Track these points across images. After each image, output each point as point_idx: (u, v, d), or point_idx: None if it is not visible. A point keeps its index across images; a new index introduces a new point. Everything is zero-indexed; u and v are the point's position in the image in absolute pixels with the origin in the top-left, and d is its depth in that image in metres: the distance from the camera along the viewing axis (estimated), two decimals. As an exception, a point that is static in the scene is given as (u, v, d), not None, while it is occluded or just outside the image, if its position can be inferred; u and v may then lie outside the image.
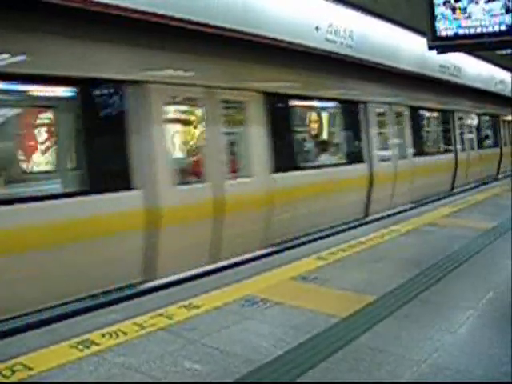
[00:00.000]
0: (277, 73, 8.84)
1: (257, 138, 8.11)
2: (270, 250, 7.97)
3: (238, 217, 7.44)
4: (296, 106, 9.67)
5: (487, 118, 20.39)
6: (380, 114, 11.86)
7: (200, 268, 6.78)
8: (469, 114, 17.75)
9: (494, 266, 5.78)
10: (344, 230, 8.79)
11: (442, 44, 4.39)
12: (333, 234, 8.41)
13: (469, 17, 4.13)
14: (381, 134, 11.80)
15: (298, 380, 3.21)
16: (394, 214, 10.38)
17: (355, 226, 9.28)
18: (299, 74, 9.25)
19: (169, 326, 4.06)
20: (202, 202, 7.00)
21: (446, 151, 15.86)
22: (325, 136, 11.25)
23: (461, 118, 16.90)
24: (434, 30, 4.36)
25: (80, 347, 3.67)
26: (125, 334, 3.89)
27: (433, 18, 4.32)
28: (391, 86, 12.40)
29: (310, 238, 8.66)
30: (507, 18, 3.95)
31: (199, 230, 6.96)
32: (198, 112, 7.47)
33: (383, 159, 11.66)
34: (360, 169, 10.90)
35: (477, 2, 4.07)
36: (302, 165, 9.33)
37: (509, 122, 22.18)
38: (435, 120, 16.14)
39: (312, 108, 10.85)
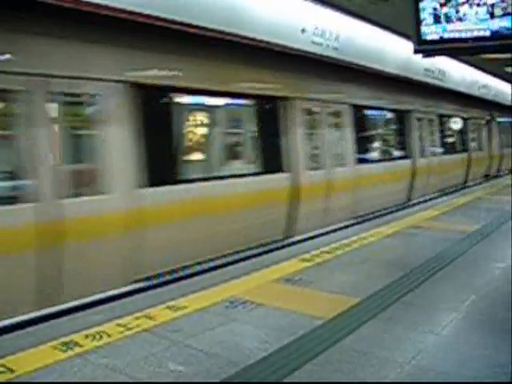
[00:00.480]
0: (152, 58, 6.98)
1: (114, 143, 6.26)
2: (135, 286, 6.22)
3: (84, 247, 5.83)
4: (186, 101, 7.66)
5: (455, 120, 18.47)
6: (310, 113, 9.92)
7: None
8: (429, 114, 15.74)
9: (476, 268, 5.83)
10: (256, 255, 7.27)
11: (427, 48, 4.42)
12: (231, 264, 6.61)
13: (454, 21, 4.17)
14: (311, 136, 9.89)
15: (285, 380, 3.22)
16: (328, 233, 8.74)
17: (271, 250, 7.51)
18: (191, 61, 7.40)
19: (153, 328, 4.04)
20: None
21: (402, 157, 13.85)
22: (218, 141, 8.25)
23: (420, 120, 14.99)
24: (419, 34, 4.38)
25: (63, 348, 3.64)
26: (108, 335, 3.87)
27: (418, 22, 4.35)
28: (326, 80, 10.54)
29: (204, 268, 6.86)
30: (491, 24, 4.00)
31: None
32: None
33: (314, 167, 9.79)
34: (278, 179, 8.90)
35: (462, 7, 4.11)
36: (194, 176, 7.41)
37: (479, 124, 20.96)
38: (388, 121, 14.24)
39: (206, 105, 8.15)
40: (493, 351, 3.60)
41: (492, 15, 4.03)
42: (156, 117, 6.89)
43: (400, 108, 14.05)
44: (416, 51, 4.52)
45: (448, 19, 4.19)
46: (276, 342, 3.77)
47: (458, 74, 16.22)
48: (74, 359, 3.48)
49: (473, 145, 19.50)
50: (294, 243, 8.11)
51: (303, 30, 8.77)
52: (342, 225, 9.91)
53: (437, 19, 4.26)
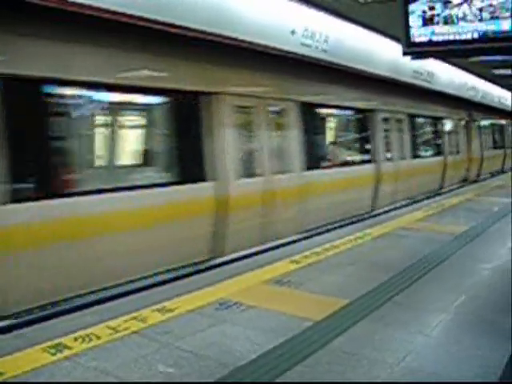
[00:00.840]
0: None
1: None
2: None
3: None
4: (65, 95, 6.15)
5: (427, 120, 16.81)
6: (243, 111, 8.35)
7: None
8: (397, 114, 13.88)
9: (465, 269, 5.88)
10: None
11: (416, 50, 4.46)
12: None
13: (443, 24, 4.21)
14: (245, 138, 8.40)
15: (276, 380, 3.22)
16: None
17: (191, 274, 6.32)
18: None
19: (142, 330, 4.02)
20: None
21: (364, 162, 12.27)
22: (111, 145, 7.02)
23: (386, 120, 13.24)
24: (408, 36, 4.41)
25: (52, 351, 3.61)
26: (98, 337, 3.85)
27: (407, 24, 4.38)
28: (264, 73, 8.83)
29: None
30: (480, 26, 4.04)
31: None
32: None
33: (248, 174, 8.24)
34: (199, 190, 7.43)
35: (451, 10, 4.14)
36: (83, 188, 6.06)
37: (457, 125, 19.02)
38: (348, 122, 12.82)
39: (103, 102, 6.78)
40: (482, 351, 3.63)
41: (480, 19, 4.07)
42: (21, 113, 5.52)
43: (361, 107, 12.40)
44: (405, 53, 4.55)
45: (437, 22, 4.22)
46: (266, 343, 3.77)
47: (436, 71, 14.71)
48: (64, 362, 3.46)
49: (449, 147, 17.66)
50: (224, 263, 6.85)
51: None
52: (287, 240, 8.57)
53: (426, 22, 4.30)
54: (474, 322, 4.24)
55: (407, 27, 4.42)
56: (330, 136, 11.87)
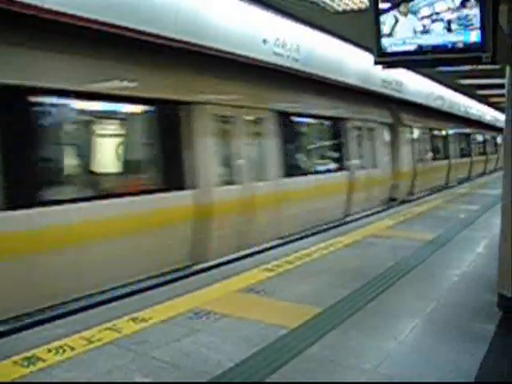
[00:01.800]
0: None
1: None
2: None
3: None
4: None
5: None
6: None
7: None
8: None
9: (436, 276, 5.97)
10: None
11: (387, 60, 4.54)
12: None
13: (413, 34, 4.30)
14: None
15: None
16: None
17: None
18: None
19: (117, 340, 3.98)
20: None
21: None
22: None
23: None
24: (379, 46, 4.49)
25: (25, 364, 3.55)
26: (72, 348, 3.79)
27: (378, 34, 4.45)
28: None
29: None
30: (450, 37, 4.13)
31: None
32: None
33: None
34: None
35: (422, 21, 4.23)
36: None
37: (372, 130, 14.33)
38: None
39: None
40: (455, 356, 3.70)
41: (449, 30, 4.16)
42: None
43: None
44: (376, 63, 4.62)
45: (407, 32, 4.31)
46: (242, 352, 3.77)
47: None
48: (37, 374, 3.40)
49: (352, 160, 12.79)
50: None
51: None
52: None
53: (396, 32, 4.38)
54: (446, 328, 4.31)
55: (378, 37, 4.49)
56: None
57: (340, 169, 12.32)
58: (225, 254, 7.90)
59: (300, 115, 11.15)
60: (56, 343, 3.88)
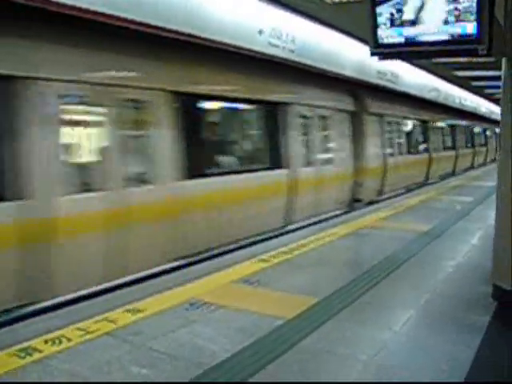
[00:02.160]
0: None
1: None
2: None
3: None
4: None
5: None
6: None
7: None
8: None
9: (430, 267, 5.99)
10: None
11: (383, 51, 4.53)
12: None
13: (410, 26, 4.29)
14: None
15: (249, 380, 3.24)
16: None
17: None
18: None
19: (114, 331, 3.98)
20: None
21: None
22: None
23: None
24: (375, 37, 4.48)
25: (21, 355, 3.54)
26: (69, 339, 3.79)
27: (375, 25, 4.44)
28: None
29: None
30: (446, 29, 4.12)
31: None
32: None
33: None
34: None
35: (418, 13, 4.22)
36: None
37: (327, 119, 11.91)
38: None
39: None
40: (450, 347, 3.72)
41: (446, 22, 4.15)
42: None
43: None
44: (372, 54, 4.61)
45: (404, 24, 4.30)
46: (238, 343, 3.77)
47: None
48: (34, 366, 3.39)
49: (294, 155, 10.35)
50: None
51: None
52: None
53: (393, 23, 4.37)
54: (441, 319, 4.33)
55: (374, 28, 4.48)
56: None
57: (275, 166, 9.86)
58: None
59: (212, 98, 8.57)
60: (52, 334, 3.87)
